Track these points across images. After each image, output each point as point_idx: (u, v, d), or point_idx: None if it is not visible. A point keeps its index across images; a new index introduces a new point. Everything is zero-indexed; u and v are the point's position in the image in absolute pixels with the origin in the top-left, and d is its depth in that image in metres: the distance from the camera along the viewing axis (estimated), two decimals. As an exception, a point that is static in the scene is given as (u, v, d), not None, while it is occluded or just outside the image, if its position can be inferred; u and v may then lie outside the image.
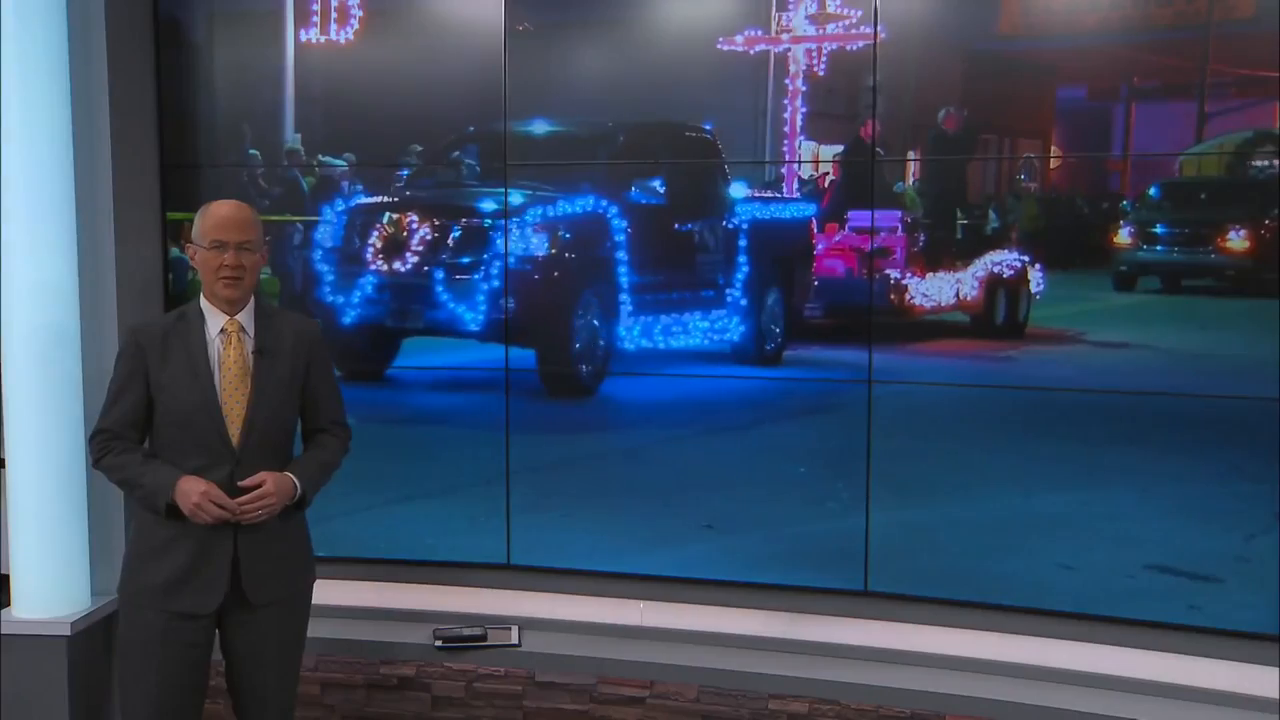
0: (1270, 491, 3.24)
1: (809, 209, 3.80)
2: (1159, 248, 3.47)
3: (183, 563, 2.83)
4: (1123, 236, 3.46)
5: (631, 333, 3.95)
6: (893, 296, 3.69)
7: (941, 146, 3.60)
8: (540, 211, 3.94)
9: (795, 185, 3.81)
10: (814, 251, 3.80)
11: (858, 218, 3.73)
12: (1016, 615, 3.50)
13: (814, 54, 3.61)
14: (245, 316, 2.90)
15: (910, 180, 3.64)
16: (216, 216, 2.85)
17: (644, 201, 3.95)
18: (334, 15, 3.92)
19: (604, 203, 3.94)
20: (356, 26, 3.90)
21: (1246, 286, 3.36)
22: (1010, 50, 3.53)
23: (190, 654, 2.88)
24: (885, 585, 3.62)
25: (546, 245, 3.97)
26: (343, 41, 3.91)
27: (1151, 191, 3.45)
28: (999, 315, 3.63)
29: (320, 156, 4.01)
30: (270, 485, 2.83)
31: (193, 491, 2.76)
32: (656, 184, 3.94)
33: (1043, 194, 3.52)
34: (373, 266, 4.06)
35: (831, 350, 3.80)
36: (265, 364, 2.89)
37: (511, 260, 3.95)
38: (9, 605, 3.70)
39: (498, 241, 3.95)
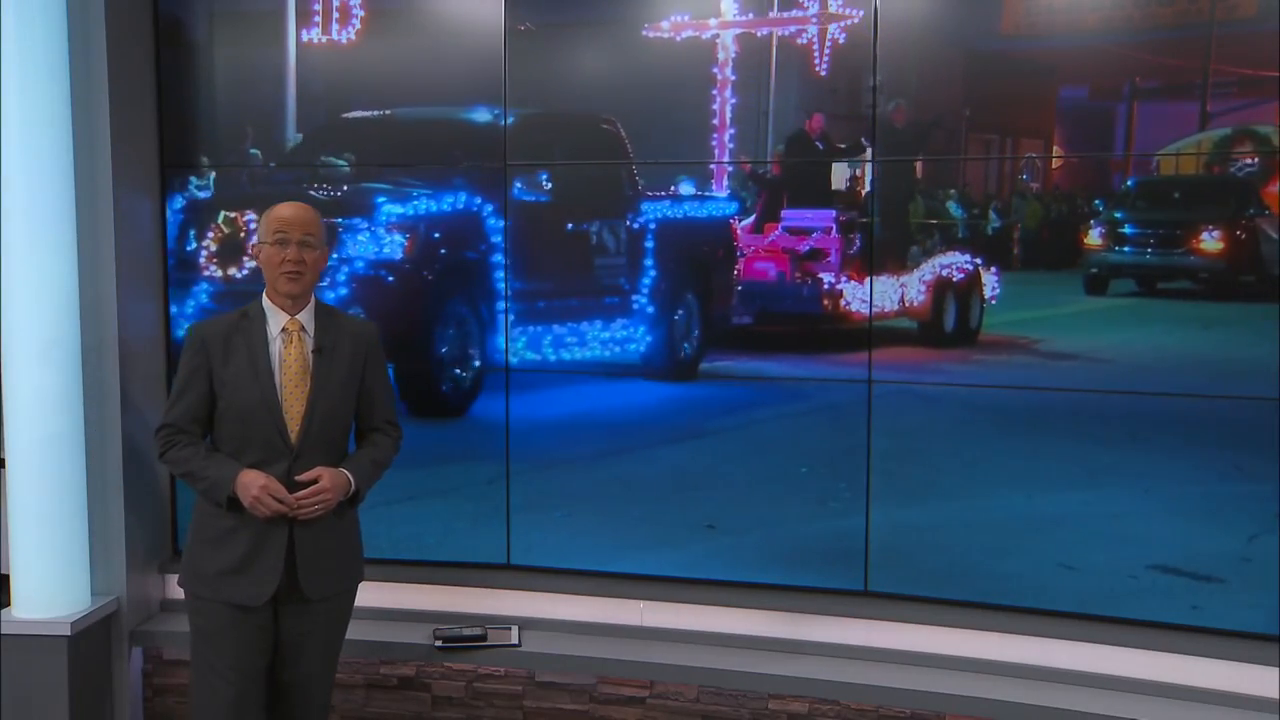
0: (1271, 491, 3.23)
1: (729, 207, 3.59)
2: (1127, 249, 3.42)
3: (239, 554, 2.92)
4: (1093, 238, 3.41)
5: (514, 344, 3.72)
6: (826, 302, 3.52)
7: (891, 140, 3.53)
8: (397, 210, 3.69)
9: (725, 182, 3.62)
10: (735, 254, 3.60)
11: (792, 217, 3.56)
12: (1017, 615, 3.49)
13: (816, 51, 3.58)
14: (305, 316, 2.99)
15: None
16: (279, 214, 2.96)
17: (528, 199, 3.70)
18: (335, 15, 3.91)
19: (477, 200, 3.68)
20: (358, 26, 3.90)
21: (1221, 289, 3.32)
22: (1011, 50, 3.52)
23: (256, 636, 2.97)
24: (885, 585, 3.62)
25: (404, 248, 3.74)
26: (344, 42, 3.91)
27: (1125, 190, 3.43)
28: (948, 322, 3.51)
29: (323, 156, 3.99)
30: (326, 481, 2.92)
31: (253, 485, 2.86)
32: (543, 179, 3.69)
33: (1040, 194, 3.50)
34: (206, 272, 3.92)
35: (759, 361, 3.61)
36: (324, 363, 2.98)
37: (362, 265, 3.77)
38: (9, 605, 3.70)
39: (347, 244, 3.78)
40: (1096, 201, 3.43)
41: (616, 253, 3.71)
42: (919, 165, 3.56)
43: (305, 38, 3.92)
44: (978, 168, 3.57)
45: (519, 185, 3.69)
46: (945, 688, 3.44)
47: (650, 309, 3.69)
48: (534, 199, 3.71)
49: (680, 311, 3.70)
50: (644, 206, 3.68)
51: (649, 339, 3.69)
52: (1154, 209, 3.42)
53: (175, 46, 3.96)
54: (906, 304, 3.54)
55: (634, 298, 3.70)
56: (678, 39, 3.66)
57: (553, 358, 3.72)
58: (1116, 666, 3.41)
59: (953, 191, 3.55)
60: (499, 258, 3.74)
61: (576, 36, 3.81)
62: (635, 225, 3.68)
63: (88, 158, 3.70)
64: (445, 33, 3.86)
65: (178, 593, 3.14)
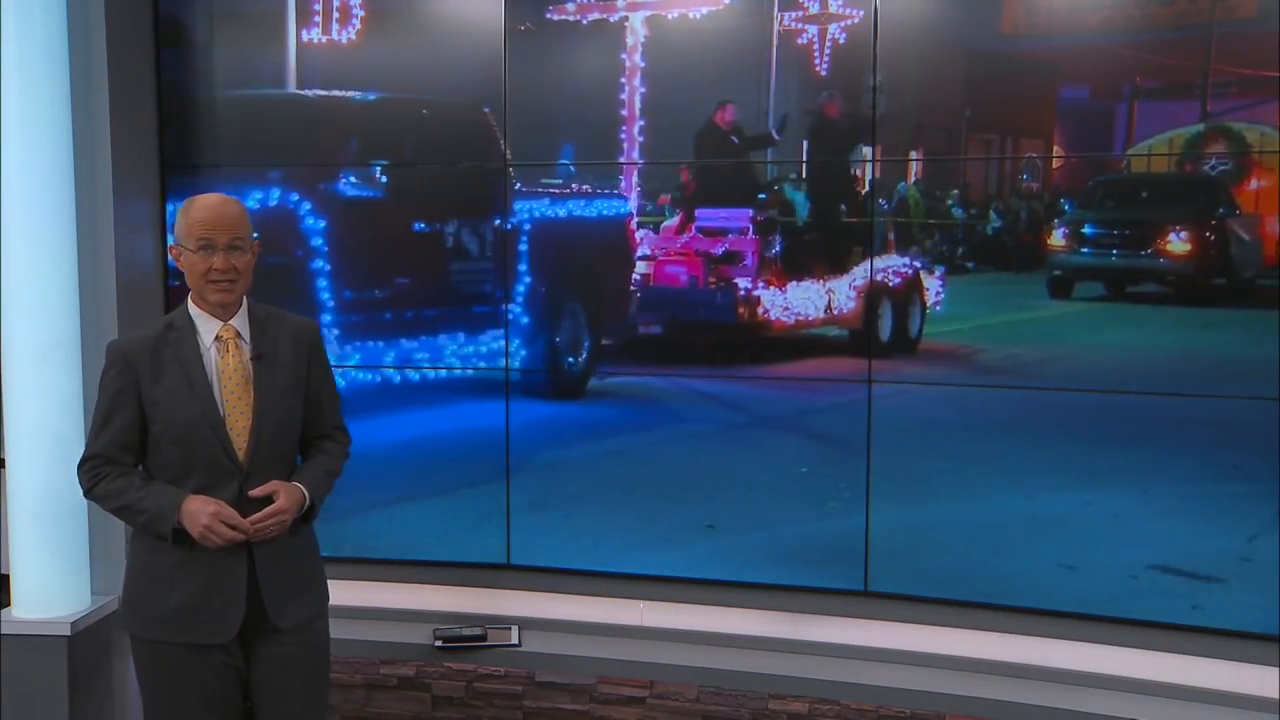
0: (1271, 491, 3.23)
1: (622, 207, 3.28)
2: (1086, 250, 3.35)
3: (194, 589, 2.63)
4: (1056, 238, 3.32)
5: (344, 362, 3.36)
6: (742, 310, 3.26)
7: (826, 134, 3.42)
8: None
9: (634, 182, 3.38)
10: (631, 257, 3.31)
11: (706, 217, 3.30)
12: (1017, 615, 3.49)
13: (816, 48, 3.56)
14: (239, 321, 2.71)
15: (913, 180, 3.57)
16: (201, 213, 2.63)
17: (357, 195, 3.33)
18: (335, 15, 3.91)
19: (293, 197, 3.31)
20: (358, 26, 3.89)
21: (1188, 293, 3.28)
22: (1011, 49, 3.52)
23: (223, 677, 2.69)
24: (885, 585, 3.62)
25: None
26: (344, 41, 3.90)
27: (1088, 190, 3.39)
28: (885, 330, 3.31)
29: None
30: (283, 500, 2.65)
31: (201, 513, 2.57)
32: (376, 172, 3.30)
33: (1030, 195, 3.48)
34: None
35: (662, 377, 3.36)
36: (266, 370, 2.71)
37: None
38: (9, 605, 3.70)
39: None
40: (1063, 201, 3.39)
41: (480, 257, 3.37)
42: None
43: (305, 38, 3.92)
44: (975, 167, 3.56)
45: (349, 179, 3.33)
46: (945, 688, 3.45)
47: (525, 320, 3.35)
48: (367, 195, 3.36)
49: (565, 323, 3.38)
50: (518, 206, 3.35)
51: (523, 354, 3.38)
52: (1119, 209, 3.39)
53: (176, 47, 3.96)
54: (833, 312, 3.36)
55: (507, 308, 3.37)
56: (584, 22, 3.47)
57: (395, 376, 3.39)
58: (1116, 666, 3.41)
59: (955, 192, 3.55)
60: (322, 263, 3.40)
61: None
62: (507, 226, 3.35)
63: (88, 158, 3.70)
64: (446, 32, 3.85)
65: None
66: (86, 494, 2.73)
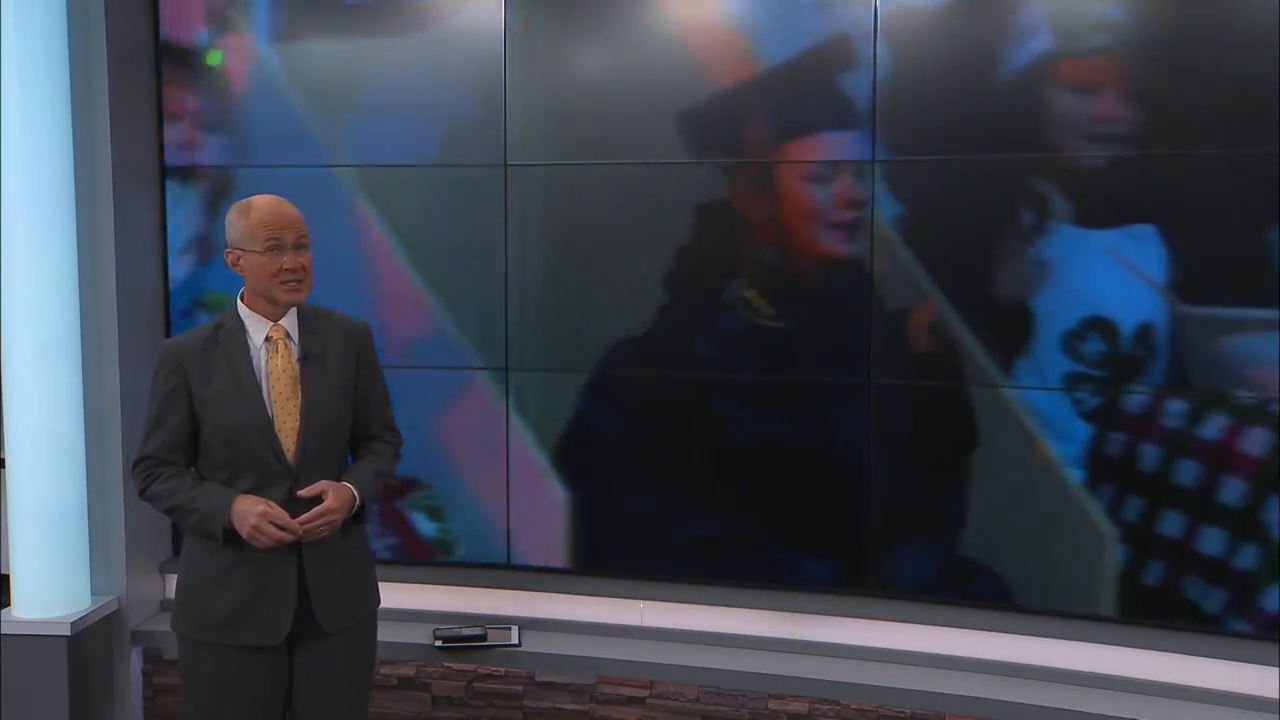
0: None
1: None
2: None
3: (245, 591, 2.65)
4: None
5: None
6: None
7: None
8: None
9: None
10: None
11: None
12: (1017, 615, 3.49)
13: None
14: (289, 321, 2.72)
15: None
16: (264, 214, 2.63)
17: None
18: (335, 15, 3.91)
19: None
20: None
21: None
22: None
23: (267, 680, 2.71)
24: (885, 585, 3.62)
25: None
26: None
27: None
28: None
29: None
30: (332, 500, 2.65)
31: (250, 513, 2.58)
32: None
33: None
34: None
35: None
36: (314, 370, 2.72)
37: None
38: (9, 605, 3.71)
39: None
40: None
41: None
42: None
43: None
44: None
45: None
46: (945, 688, 3.44)
47: None
48: None
49: None
50: None
51: None
52: None
53: (177, 47, 3.96)
54: None
55: None
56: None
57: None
58: (1116, 666, 3.41)
59: None
60: None
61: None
62: None
63: (88, 158, 3.71)
64: (445, 32, 3.84)
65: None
66: (140, 495, 2.73)
